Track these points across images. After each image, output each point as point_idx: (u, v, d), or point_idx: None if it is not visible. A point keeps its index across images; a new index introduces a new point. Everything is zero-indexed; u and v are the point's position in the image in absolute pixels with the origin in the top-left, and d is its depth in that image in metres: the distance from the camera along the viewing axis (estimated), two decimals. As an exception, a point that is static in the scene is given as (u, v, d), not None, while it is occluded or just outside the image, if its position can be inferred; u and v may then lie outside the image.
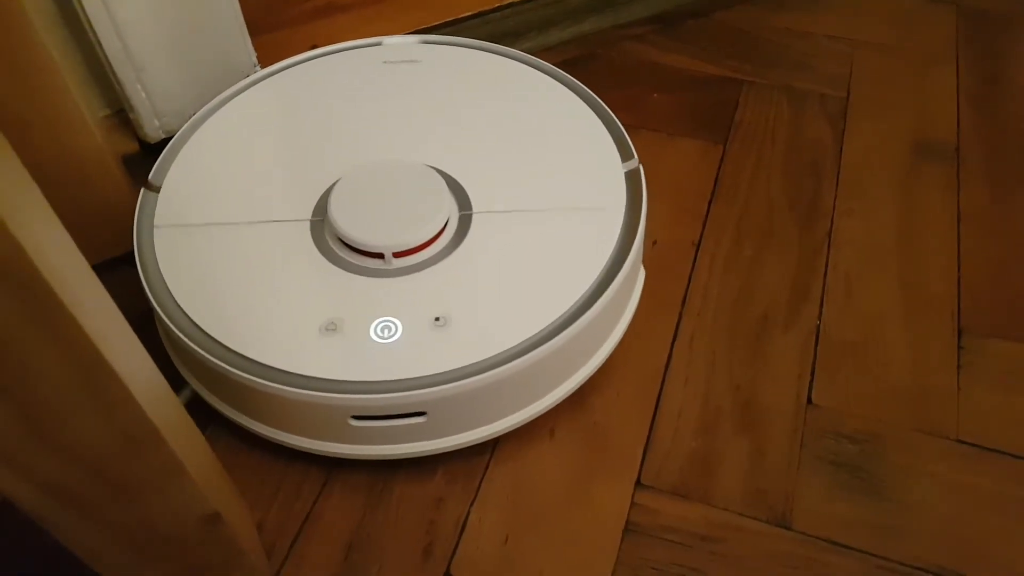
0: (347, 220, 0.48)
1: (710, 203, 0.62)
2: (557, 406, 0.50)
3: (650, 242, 0.59)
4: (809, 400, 0.51)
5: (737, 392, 0.52)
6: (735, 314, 0.56)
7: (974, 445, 0.49)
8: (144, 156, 0.66)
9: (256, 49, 0.70)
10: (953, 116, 0.67)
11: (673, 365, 0.53)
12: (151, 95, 0.63)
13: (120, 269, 0.59)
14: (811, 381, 0.52)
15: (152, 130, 0.64)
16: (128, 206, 0.58)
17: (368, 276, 0.47)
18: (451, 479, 0.48)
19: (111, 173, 0.55)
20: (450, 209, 0.49)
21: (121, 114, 0.65)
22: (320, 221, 0.50)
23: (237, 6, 0.65)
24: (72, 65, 0.62)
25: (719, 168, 0.64)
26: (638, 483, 0.48)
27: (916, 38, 0.74)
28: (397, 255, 0.48)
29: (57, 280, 0.25)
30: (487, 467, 0.48)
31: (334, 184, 0.50)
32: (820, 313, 0.55)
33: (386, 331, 0.45)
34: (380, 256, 0.48)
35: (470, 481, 0.48)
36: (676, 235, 0.60)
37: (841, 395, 0.51)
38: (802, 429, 0.50)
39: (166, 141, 0.66)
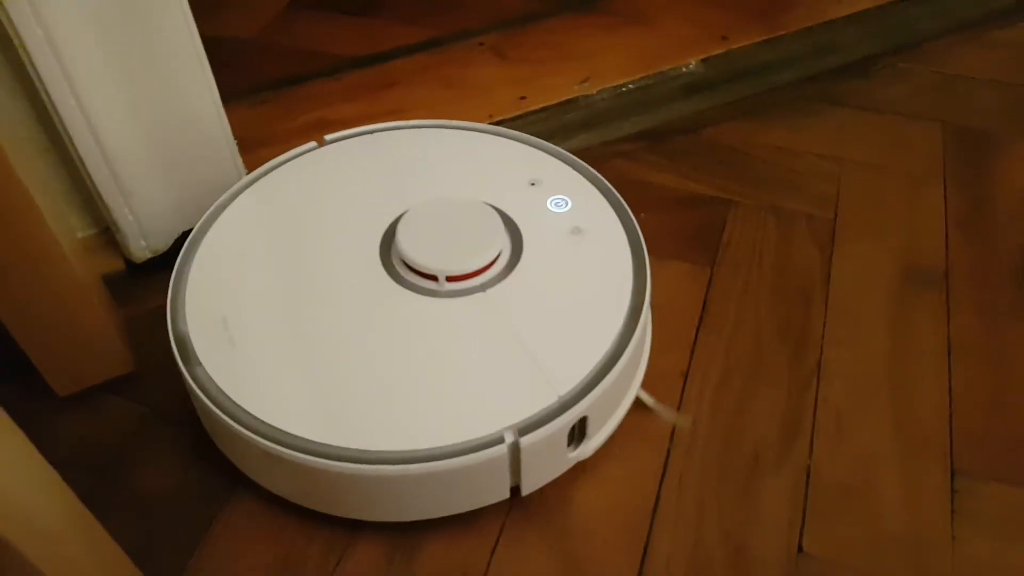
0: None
1: (698, 330, 0.61)
2: (540, 552, 0.48)
3: (638, 371, 0.58)
4: (800, 548, 0.50)
5: (727, 539, 0.50)
6: (725, 452, 0.54)
7: (971, 601, 0.48)
8: (130, 274, 0.66)
9: (246, 167, 0.70)
10: (941, 239, 0.67)
11: (662, 508, 0.52)
12: (138, 217, 0.63)
13: (99, 397, 0.58)
14: (802, 527, 0.51)
15: (138, 250, 0.64)
16: (109, 333, 0.57)
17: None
18: (429, 638, 0.46)
19: (90, 304, 0.54)
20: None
21: (107, 232, 0.65)
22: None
23: (227, 127, 0.66)
24: (57, 185, 0.62)
25: (707, 292, 0.64)
26: (624, 644, 0.46)
27: (903, 156, 0.75)
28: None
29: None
30: (467, 623, 0.47)
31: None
32: (811, 452, 0.54)
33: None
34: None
35: (449, 640, 0.46)
36: (665, 364, 0.59)
37: (833, 543, 0.50)
38: (794, 581, 0.48)
39: (152, 260, 0.66)
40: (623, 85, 0.79)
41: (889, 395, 0.57)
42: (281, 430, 0.47)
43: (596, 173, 0.62)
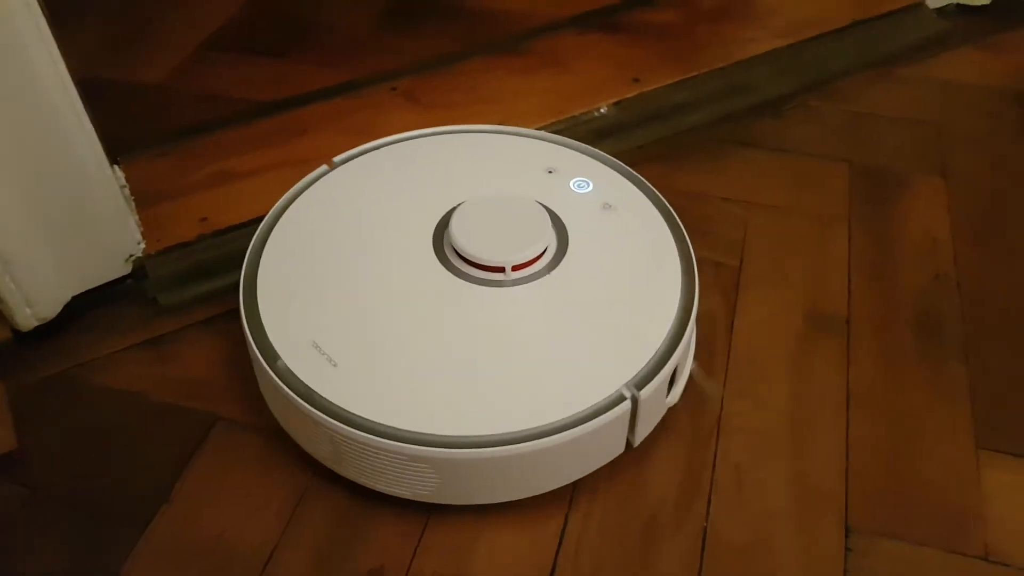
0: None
1: (601, 386, 0.61)
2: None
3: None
4: (694, 617, 0.49)
5: (621, 609, 0.49)
6: (623, 515, 0.54)
7: (862, 667, 0.47)
8: (17, 343, 0.63)
9: (143, 224, 0.68)
10: (844, 284, 0.68)
11: (556, 577, 0.51)
12: (21, 285, 0.60)
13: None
14: (697, 594, 0.50)
15: (24, 319, 0.62)
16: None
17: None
18: None
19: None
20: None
21: (-8, 301, 0.63)
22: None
23: (115, 185, 0.64)
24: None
25: (612, 346, 0.63)
26: None
27: (810, 198, 0.76)
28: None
29: None
30: None
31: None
32: (708, 513, 0.54)
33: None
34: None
35: None
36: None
37: (727, 610, 0.49)
38: (686, 652, 0.48)
39: (39, 329, 0.63)
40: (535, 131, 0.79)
41: (788, 450, 0.57)
42: (421, 433, 0.50)
43: (606, 155, 0.68)
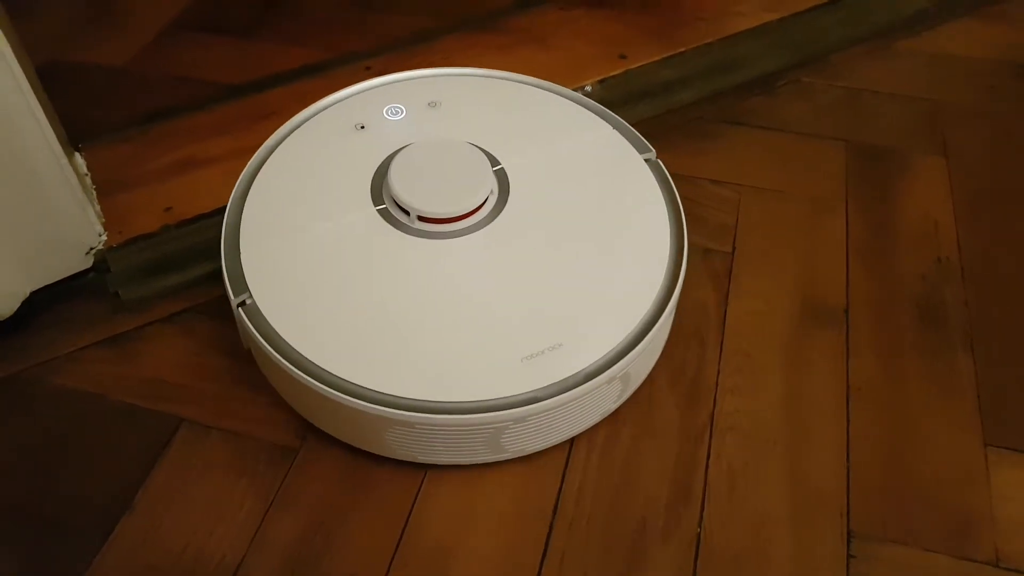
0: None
1: (588, 383, 0.58)
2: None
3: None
4: (687, 630, 0.46)
5: (609, 623, 0.47)
6: (611, 522, 0.51)
7: None
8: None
9: (105, 214, 0.65)
10: (842, 271, 0.65)
11: (541, 590, 0.48)
12: (-31, 283, 0.57)
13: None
14: (689, 606, 0.47)
15: (-25, 317, 0.58)
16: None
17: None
18: None
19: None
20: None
21: (-58, 299, 0.59)
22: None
23: (73, 178, 0.60)
24: None
25: (599, 339, 0.60)
26: None
27: (804, 179, 0.72)
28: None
29: None
30: None
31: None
32: (701, 517, 0.51)
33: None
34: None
35: None
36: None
37: (722, 622, 0.47)
38: (679, 669, 0.45)
39: (-4, 326, 0.60)
40: (517, 110, 0.75)
41: (785, 449, 0.54)
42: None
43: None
